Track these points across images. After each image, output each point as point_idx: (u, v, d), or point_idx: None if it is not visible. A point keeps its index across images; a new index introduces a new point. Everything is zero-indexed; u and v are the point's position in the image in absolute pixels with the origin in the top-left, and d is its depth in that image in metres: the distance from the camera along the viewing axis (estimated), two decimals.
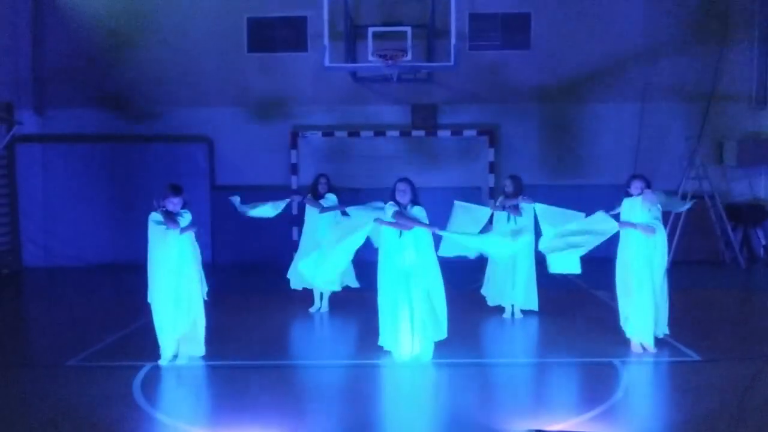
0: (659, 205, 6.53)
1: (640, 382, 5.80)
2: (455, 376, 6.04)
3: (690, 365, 6.16)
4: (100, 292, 9.83)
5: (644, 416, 5.03)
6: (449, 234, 6.75)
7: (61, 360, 6.40)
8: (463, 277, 9.65)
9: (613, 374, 5.89)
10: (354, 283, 8.62)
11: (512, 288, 8.09)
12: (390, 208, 6.30)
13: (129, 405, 5.27)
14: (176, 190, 6.19)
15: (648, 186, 6.58)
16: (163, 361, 6.28)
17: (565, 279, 10.32)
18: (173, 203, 6.16)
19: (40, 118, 13.11)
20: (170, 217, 6.11)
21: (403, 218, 6.22)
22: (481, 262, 8.46)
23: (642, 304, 6.43)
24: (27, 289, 11.49)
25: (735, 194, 13.01)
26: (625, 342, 6.63)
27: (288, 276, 8.69)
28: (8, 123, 11.95)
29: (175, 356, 6.35)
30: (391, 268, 6.30)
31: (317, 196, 8.54)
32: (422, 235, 6.28)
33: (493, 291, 8.36)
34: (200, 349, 6.41)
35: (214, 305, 7.78)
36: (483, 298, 8.44)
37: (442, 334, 6.34)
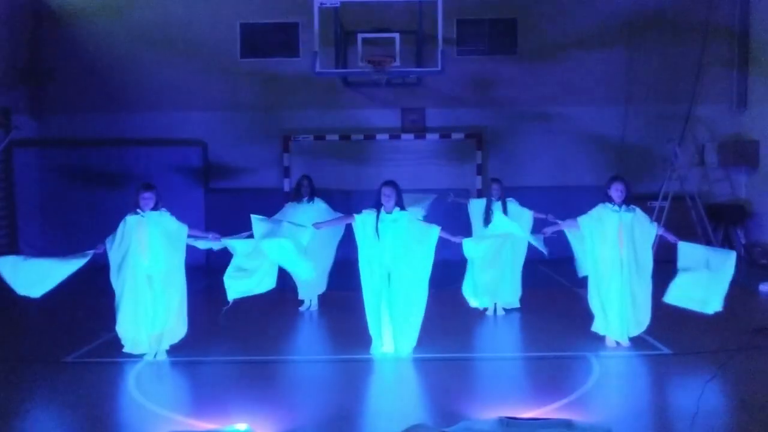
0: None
1: (610, 374, 6.08)
2: (435, 369, 6.32)
3: (660, 358, 6.45)
4: (97, 292, 10.06)
5: (610, 405, 5.32)
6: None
7: (59, 356, 6.67)
8: (445, 276, 9.95)
9: (586, 367, 6.19)
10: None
11: (498, 286, 8.34)
12: (367, 217, 6.56)
13: (125, 398, 5.56)
14: (147, 187, 6.51)
15: (628, 189, 6.76)
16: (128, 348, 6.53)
17: (548, 277, 10.65)
18: (144, 198, 6.44)
19: (36, 122, 13.37)
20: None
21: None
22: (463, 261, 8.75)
23: (608, 300, 6.74)
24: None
25: (716, 195, 13.34)
26: (600, 337, 6.93)
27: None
28: (5, 127, 12.19)
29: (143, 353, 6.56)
30: (371, 268, 6.55)
31: (299, 198, 8.67)
32: (404, 237, 6.52)
33: (476, 290, 8.50)
34: (177, 337, 6.64)
35: (207, 305, 8.04)
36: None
37: (413, 340, 6.60)
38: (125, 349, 6.55)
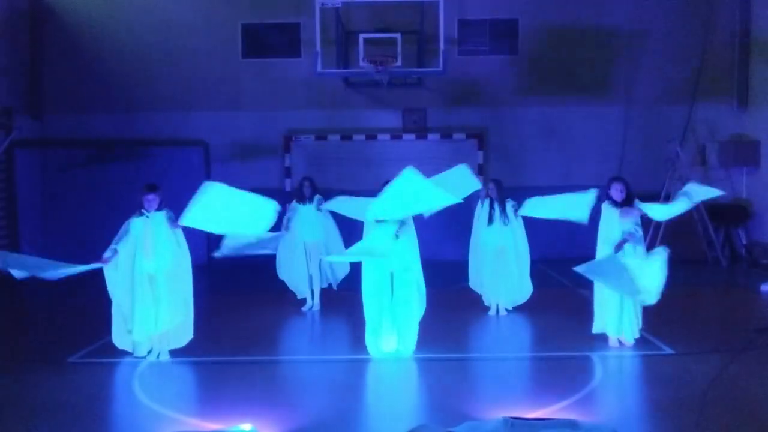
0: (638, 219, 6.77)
1: (614, 374, 6.09)
2: (439, 370, 6.32)
3: (664, 358, 6.45)
4: (98, 292, 10.09)
5: (614, 405, 5.33)
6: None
7: (62, 357, 6.67)
8: (449, 276, 9.96)
9: (590, 367, 6.19)
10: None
11: (499, 286, 8.37)
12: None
13: (128, 399, 5.57)
14: (150, 188, 6.55)
15: (628, 188, 6.82)
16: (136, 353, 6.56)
17: (550, 278, 10.66)
18: (148, 200, 6.49)
19: (38, 122, 13.36)
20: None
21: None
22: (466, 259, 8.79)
23: (608, 299, 6.75)
24: (26, 290, 11.68)
25: None
26: (603, 337, 6.94)
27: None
28: (7, 128, 12.19)
29: (149, 352, 6.59)
30: (378, 268, 6.55)
31: (302, 199, 8.76)
32: (406, 236, 6.59)
33: (481, 287, 8.61)
34: (182, 341, 6.64)
35: (210, 304, 8.05)
36: (468, 296, 8.72)
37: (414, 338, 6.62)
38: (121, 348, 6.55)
